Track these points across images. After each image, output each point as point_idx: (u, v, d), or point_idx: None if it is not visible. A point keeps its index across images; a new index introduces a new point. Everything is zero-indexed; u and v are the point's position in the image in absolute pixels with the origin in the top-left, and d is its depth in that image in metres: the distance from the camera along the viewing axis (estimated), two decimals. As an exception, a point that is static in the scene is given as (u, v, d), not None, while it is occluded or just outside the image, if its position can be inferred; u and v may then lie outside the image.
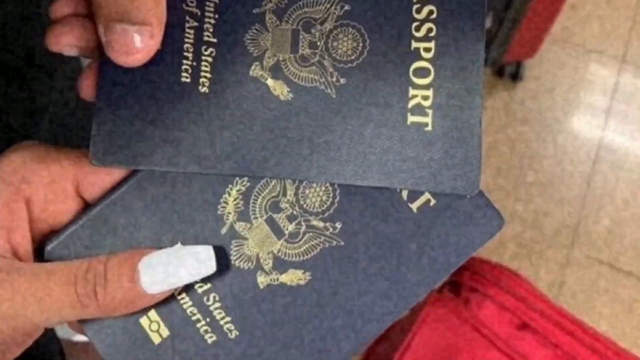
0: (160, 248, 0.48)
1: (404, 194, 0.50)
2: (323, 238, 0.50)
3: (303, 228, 0.50)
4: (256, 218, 0.50)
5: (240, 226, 0.50)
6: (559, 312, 1.17)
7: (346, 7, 0.50)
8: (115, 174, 0.50)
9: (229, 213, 0.50)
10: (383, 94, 0.49)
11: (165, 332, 0.50)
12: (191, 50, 0.49)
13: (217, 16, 0.50)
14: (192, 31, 0.49)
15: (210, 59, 0.49)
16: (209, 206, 0.50)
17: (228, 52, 0.50)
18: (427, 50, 0.50)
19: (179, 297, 0.50)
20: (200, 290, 0.50)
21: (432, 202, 0.50)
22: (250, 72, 0.49)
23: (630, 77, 2.17)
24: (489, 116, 2.11)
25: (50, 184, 0.48)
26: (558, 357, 1.14)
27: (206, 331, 0.50)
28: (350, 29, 0.50)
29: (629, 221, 2.02)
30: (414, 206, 0.50)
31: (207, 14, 0.50)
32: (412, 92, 0.50)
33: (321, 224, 0.50)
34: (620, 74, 2.17)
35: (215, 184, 0.50)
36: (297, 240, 0.50)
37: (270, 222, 0.50)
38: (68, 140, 0.97)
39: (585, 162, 2.07)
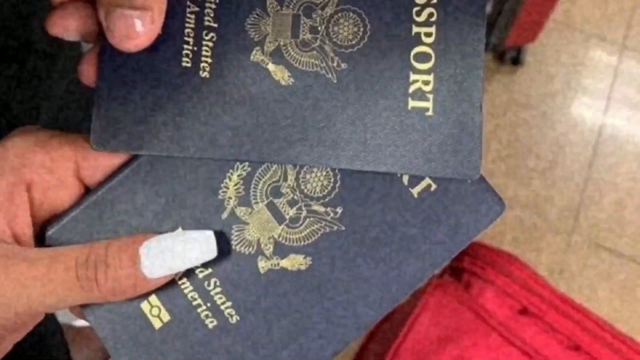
0: (161, 233, 0.48)
1: (405, 179, 0.50)
2: (324, 223, 0.50)
3: (304, 213, 0.50)
4: (257, 203, 0.50)
5: (241, 211, 0.50)
6: (559, 297, 1.17)
7: None
8: (116, 158, 0.50)
9: (230, 198, 0.50)
10: (384, 79, 0.49)
11: (166, 317, 0.50)
12: (192, 35, 0.49)
13: (217, 1, 0.50)
14: (192, 16, 0.49)
15: (211, 44, 0.49)
16: (210, 191, 0.50)
17: (229, 37, 0.49)
18: (428, 35, 0.50)
19: (179, 282, 0.50)
20: (201, 275, 0.50)
21: (433, 187, 0.50)
22: (251, 57, 0.49)
23: (631, 61, 2.17)
24: (489, 101, 2.11)
25: (51, 168, 0.48)
26: (558, 342, 1.14)
27: (207, 316, 0.50)
28: (351, 14, 0.50)
29: (630, 206, 2.02)
30: (415, 191, 0.50)
31: (208, -2, 0.50)
32: (412, 77, 0.49)
33: (322, 209, 0.50)
34: (620, 59, 2.17)
35: (216, 169, 0.50)
36: (298, 225, 0.50)
37: (271, 207, 0.50)
38: (69, 125, 0.97)
39: (586, 147, 2.07)
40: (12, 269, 0.45)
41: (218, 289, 0.50)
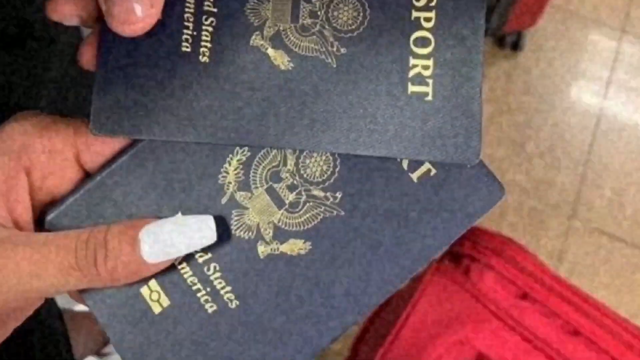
0: (161, 218, 0.48)
1: (405, 163, 0.50)
2: (323, 208, 0.50)
3: (303, 198, 0.50)
4: (257, 188, 0.50)
5: (240, 196, 0.50)
6: (559, 282, 1.18)
7: None
8: (116, 143, 0.50)
9: (230, 183, 0.50)
10: (383, 64, 0.49)
11: (165, 302, 0.50)
12: (191, 19, 0.49)
13: (217, -15, 0.50)
14: (192, 0, 0.49)
15: (210, 29, 0.49)
16: (210, 176, 0.50)
17: (228, 21, 0.49)
18: (428, 20, 0.50)
19: (179, 267, 0.50)
20: (200, 260, 0.50)
21: (433, 171, 0.50)
22: (251, 42, 0.49)
23: (630, 46, 2.17)
24: (489, 86, 2.11)
25: (51, 153, 0.48)
26: (558, 327, 1.14)
27: (206, 301, 0.50)
28: (351, -1, 0.50)
29: (629, 191, 2.03)
30: (415, 176, 0.50)
31: (207, -17, 0.50)
32: (412, 61, 0.49)
33: (321, 194, 0.50)
34: (620, 44, 2.17)
35: (216, 154, 0.50)
36: (297, 209, 0.50)
37: (271, 191, 0.50)
38: (68, 110, 0.97)
39: (585, 131, 2.07)
40: (11, 254, 0.45)
41: (218, 274, 0.50)
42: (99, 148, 0.50)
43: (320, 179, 0.50)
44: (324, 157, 0.50)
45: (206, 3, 0.49)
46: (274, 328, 0.50)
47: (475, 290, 1.16)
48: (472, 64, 0.49)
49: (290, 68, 0.49)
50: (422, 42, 0.50)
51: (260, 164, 0.50)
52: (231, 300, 0.50)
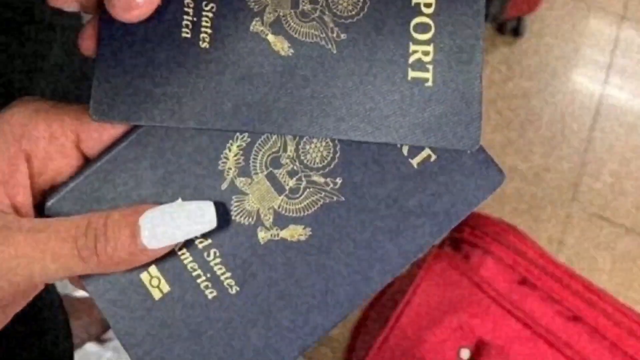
0: (161, 203, 0.48)
1: (405, 149, 0.50)
2: (323, 193, 0.50)
3: (303, 183, 0.50)
4: (257, 173, 0.50)
5: (240, 182, 0.50)
6: (559, 268, 1.18)
7: None
8: (116, 129, 0.50)
9: (230, 168, 0.50)
10: (383, 50, 0.49)
11: (165, 288, 0.50)
12: (192, 5, 0.49)
13: (217, -29, 0.50)
14: (192, -14, 0.49)
15: (210, 15, 0.49)
16: (210, 162, 0.50)
17: (229, 7, 0.49)
18: (428, 5, 0.50)
19: (179, 253, 0.50)
20: (200, 246, 0.50)
21: (433, 157, 0.50)
22: (251, 28, 0.49)
23: (630, 32, 2.16)
24: (489, 72, 2.11)
25: (51, 139, 0.48)
26: (558, 313, 1.14)
27: (206, 286, 0.50)
28: (351, -16, 0.50)
29: (629, 177, 2.03)
30: (415, 162, 0.50)
31: (207, -32, 0.50)
32: (412, 47, 0.49)
33: (322, 180, 0.50)
34: (620, 29, 2.17)
35: (216, 140, 0.50)
36: (297, 195, 0.50)
37: (271, 177, 0.50)
38: (68, 95, 0.97)
39: (585, 117, 2.07)
40: (11, 240, 0.45)
41: (218, 260, 0.50)
42: (99, 134, 0.50)
43: (320, 165, 0.50)
44: (324, 143, 0.50)
45: (206, -12, 0.49)
46: (274, 314, 0.50)
47: (475, 276, 1.16)
48: (472, 50, 0.49)
49: (290, 54, 0.49)
50: (422, 28, 0.49)
51: (260, 150, 0.50)
52: (231, 286, 0.50)
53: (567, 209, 1.99)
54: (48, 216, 0.50)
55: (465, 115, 0.49)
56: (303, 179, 0.50)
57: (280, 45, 0.49)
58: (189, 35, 0.49)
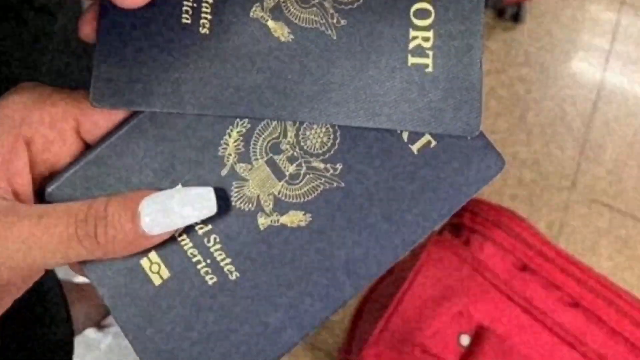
0: (161, 189, 0.48)
1: (405, 135, 0.50)
2: (323, 179, 0.50)
3: (303, 169, 0.50)
4: (257, 159, 0.50)
5: (240, 167, 0.50)
6: (559, 254, 1.18)
7: None
8: (116, 115, 0.50)
9: (230, 154, 0.50)
10: (383, 35, 0.49)
11: (165, 274, 0.50)
12: (191, -9, 0.49)
13: (217, -43, 0.50)
14: (192, -28, 0.49)
15: (210, 0, 0.49)
16: (210, 148, 0.50)
17: (228, -7, 0.49)
18: (428, -9, 0.50)
19: (179, 239, 0.50)
20: (200, 232, 0.50)
21: (433, 143, 0.50)
22: (251, 14, 0.49)
23: (630, 18, 2.16)
24: (489, 58, 2.11)
25: (51, 125, 0.48)
26: (558, 298, 1.14)
27: (207, 272, 0.50)
28: (351, -30, 0.50)
29: (629, 162, 2.02)
30: (415, 148, 0.50)
31: (207, -46, 0.49)
32: (412, 33, 0.49)
33: (322, 166, 0.50)
34: (620, 15, 2.16)
35: (216, 126, 0.50)
36: (297, 181, 0.50)
37: (271, 163, 0.50)
38: (68, 82, 0.97)
39: (585, 103, 2.07)
40: (11, 226, 0.45)
41: (218, 246, 0.50)
42: (99, 120, 0.50)
43: (320, 151, 0.50)
44: (324, 129, 0.50)
45: (206, -26, 0.49)
46: (274, 300, 0.50)
47: (475, 261, 1.16)
48: (472, 36, 0.49)
49: (290, 40, 0.49)
50: (422, 13, 0.49)
51: (260, 136, 0.50)
52: (231, 272, 0.50)
53: (567, 195, 1.99)
54: (48, 202, 0.50)
55: (465, 101, 0.49)
56: (303, 164, 0.50)
57: (280, 31, 0.49)
58: (189, 21, 0.49)
